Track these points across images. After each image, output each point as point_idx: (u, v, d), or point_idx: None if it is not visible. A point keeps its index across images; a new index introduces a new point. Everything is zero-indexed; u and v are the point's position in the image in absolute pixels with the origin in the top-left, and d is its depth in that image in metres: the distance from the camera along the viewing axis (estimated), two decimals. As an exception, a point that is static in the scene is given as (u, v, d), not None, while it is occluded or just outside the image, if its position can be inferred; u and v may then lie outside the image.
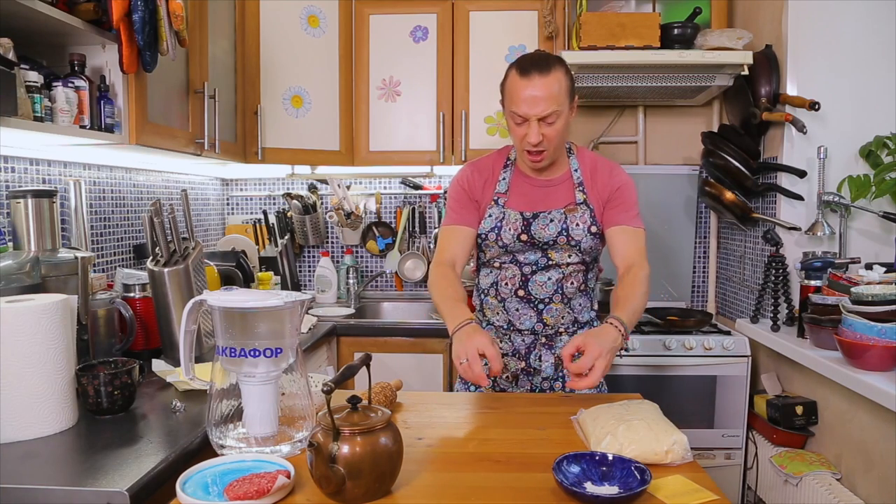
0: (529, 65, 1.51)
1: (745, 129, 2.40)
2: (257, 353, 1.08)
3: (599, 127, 2.90)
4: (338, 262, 3.07)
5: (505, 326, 1.68)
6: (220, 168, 2.73)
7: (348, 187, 3.01)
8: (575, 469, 1.03)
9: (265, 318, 1.09)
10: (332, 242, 3.09)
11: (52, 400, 1.20)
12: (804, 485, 1.84)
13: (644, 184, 2.87)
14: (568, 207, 1.61)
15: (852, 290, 1.70)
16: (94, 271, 1.83)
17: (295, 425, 1.16)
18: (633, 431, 1.11)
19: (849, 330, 1.67)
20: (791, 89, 2.21)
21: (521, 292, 1.64)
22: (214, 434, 1.12)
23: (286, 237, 2.96)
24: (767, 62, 2.26)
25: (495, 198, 1.65)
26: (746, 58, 2.25)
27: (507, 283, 1.65)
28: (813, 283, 2.02)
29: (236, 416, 1.14)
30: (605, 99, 2.74)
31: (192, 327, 1.17)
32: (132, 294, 1.75)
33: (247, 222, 3.07)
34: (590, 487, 1.00)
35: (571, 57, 2.30)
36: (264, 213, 3.01)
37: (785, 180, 2.25)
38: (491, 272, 1.69)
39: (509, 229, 1.61)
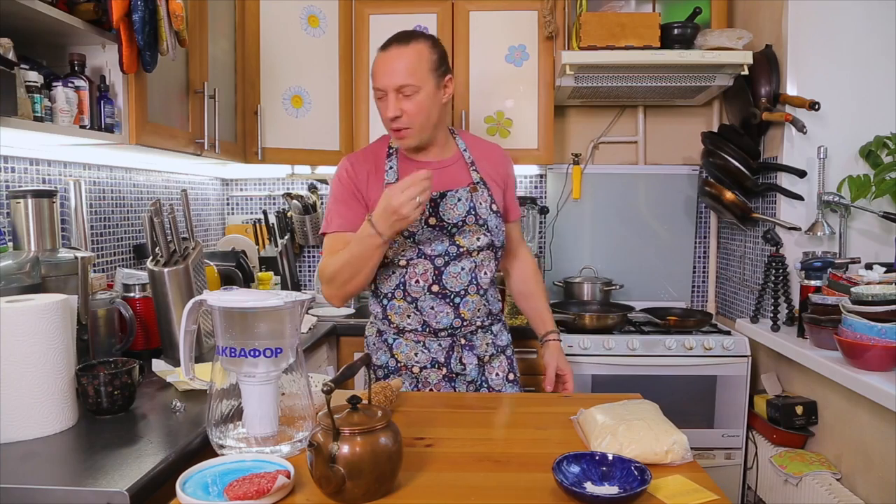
0: (391, 39, 1.52)
1: (745, 129, 2.40)
2: (257, 353, 1.08)
3: (599, 127, 2.90)
4: (338, 262, 3.06)
5: (420, 328, 1.60)
6: (220, 168, 2.73)
7: (348, 187, 3.00)
8: (575, 469, 1.03)
9: (265, 318, 1.09)
10: (332, 242, 3.09)
11: (51, 400, 1.20)
12: (804, 485, 1.84)
13: (644, 184, 2.88)
14: (471, 186, 1.59)
15: (852, 290, 1.70)
16: (94, 271, 1.83)
17: (295, 425, 1.16)
18: (633, 431, 1.11)
19: (849, 330, 1.67)
20: (791, 89, 2.21)
21: (435, 287, 1.57)
22: (214, 434, 1.12)
23: (286, 237, 2.96)
24: (767, 62, 2.26)
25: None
26: (746, 58, 2.25)
27: (417, 281, 1.57)
28: (813, 283, 2.02)
29: (236, 416, 1.14)
30: (605, 99, 2.74)
31: (192, 327, 1.17)
32: (132, 294, 1.76)
33: (247, 222, 3.07)
34: (590, 487, 1.00)
35: (571, 57, 2.30)
36: (264, 213, 3.01)
37: (785, 180, 2.25)
38: (394, 273, 1.59)
39: None
